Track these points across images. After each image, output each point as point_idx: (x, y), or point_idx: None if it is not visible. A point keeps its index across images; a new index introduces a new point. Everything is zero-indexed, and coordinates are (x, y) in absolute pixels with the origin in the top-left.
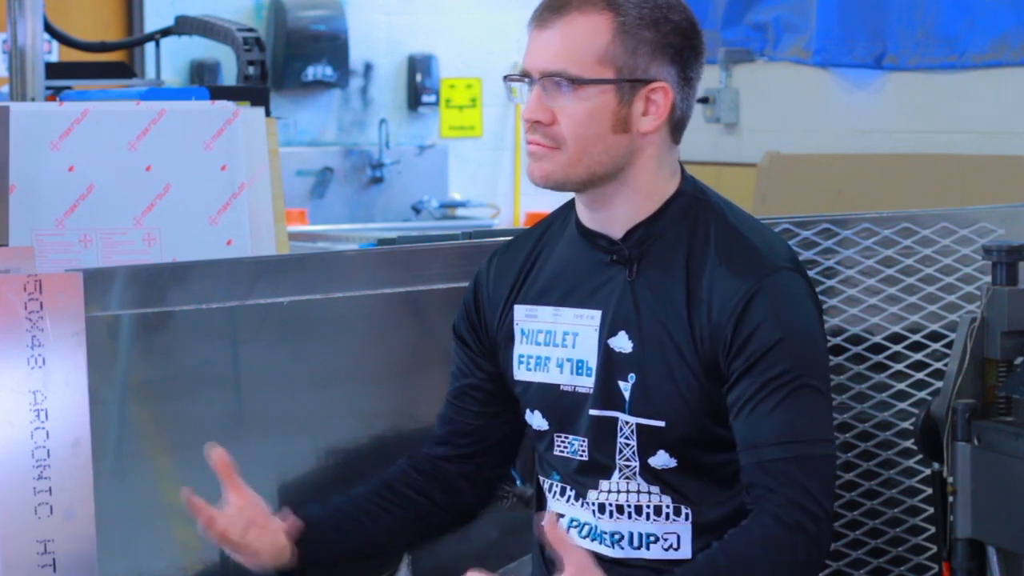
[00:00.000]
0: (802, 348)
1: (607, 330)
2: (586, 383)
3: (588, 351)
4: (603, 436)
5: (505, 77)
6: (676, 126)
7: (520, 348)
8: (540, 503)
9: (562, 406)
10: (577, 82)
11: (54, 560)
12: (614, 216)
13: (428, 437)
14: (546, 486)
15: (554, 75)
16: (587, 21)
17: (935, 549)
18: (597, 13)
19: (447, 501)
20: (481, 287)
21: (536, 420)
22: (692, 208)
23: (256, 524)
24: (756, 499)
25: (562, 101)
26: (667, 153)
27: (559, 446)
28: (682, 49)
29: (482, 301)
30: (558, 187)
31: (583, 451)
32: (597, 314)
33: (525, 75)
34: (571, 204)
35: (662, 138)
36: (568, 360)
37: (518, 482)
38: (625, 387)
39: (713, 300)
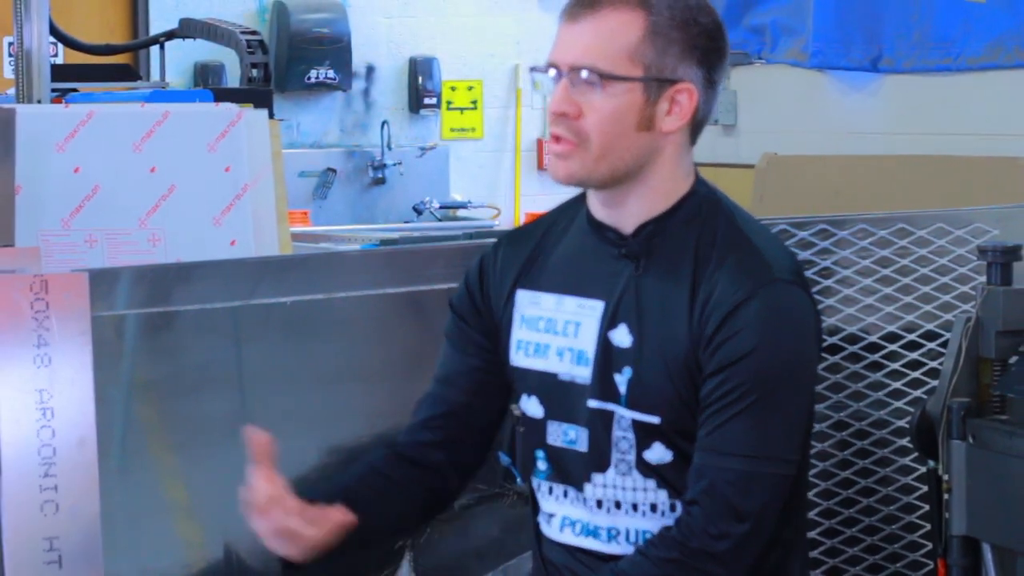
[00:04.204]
0: (776, 362)
1: (608, 322)
2: (584, 373)
3: (588, 341)
4: (601, 428)
5: (532, 68)
6: (696, 127)
7: (519, 333)
8: (534, 503)
9: (559, 395)
10: (606, 77)
11: (60, 557)
12: (626, 212)
13: (409, 426)
14: (534, 484)
15: (583, 69)
16: (620, 18)
17: (930, 546)
18: (630, 11)
19: (435, 486)
20: (487, 270)
21: (532, 407)
22: (703, 209)
23: (305, 515)
24: (685, 503)
25: (589, 96)
26: (685, 154)
27: (553, 434)
28: (709, 52)
29: (487, 284)
30: (580, 185)
31: (582, 442)
32: (600, 304)
33: (552, 67)
34: (581, 197)
35: (682, 139)
36: (569, 349)
37: (518, 480)
38: (621, 380)
39: (710, 300)
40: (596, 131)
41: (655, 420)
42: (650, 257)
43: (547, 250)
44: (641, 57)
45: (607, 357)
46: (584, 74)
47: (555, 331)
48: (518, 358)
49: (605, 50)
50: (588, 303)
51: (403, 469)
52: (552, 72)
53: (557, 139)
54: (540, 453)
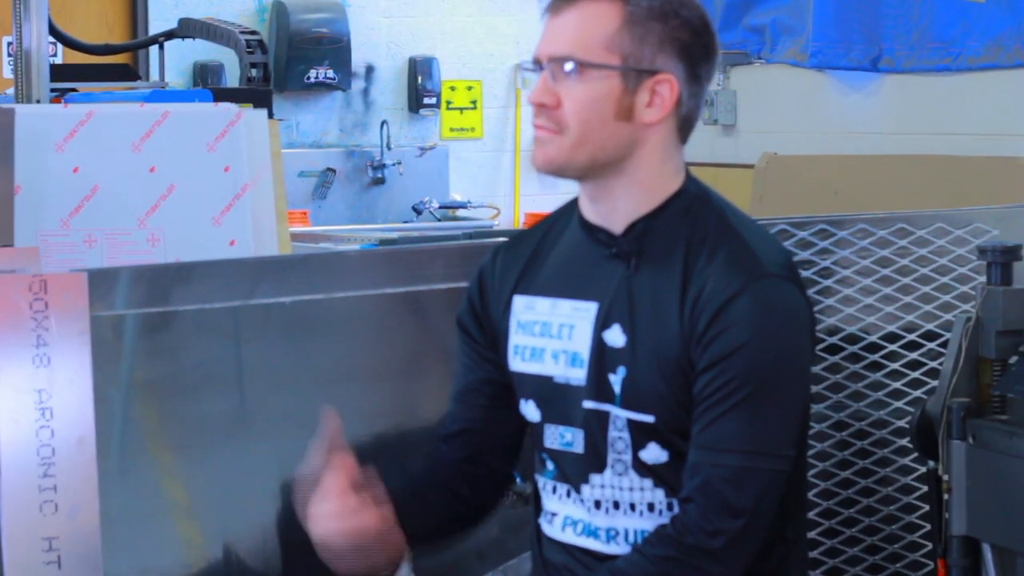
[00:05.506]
0: (768, 356)
1: (601, 322)
2: (578, 375)
3: (582, 343)
4: (597, 429)
5: (522, 66)
6: (683, 123)
7: (516, 339)
8: (537, 503)
9: (555, 397)
10: (583, 65)
11: (59, 557)
12: (615, 209)
13: (445, 439)
14: (540, 484)
15: (561, 59)
16: (597, 8)
17: (930, 546)
18: (608, 1)
19: (473, 498)
20: (486, 280)
21: (530, 411)
22: (693, 207)
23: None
24: (681, 501)
25: (567, 85)
26: (672, 150)
27: (550, 437)
28: (691, 45)
29: (487, 294)
30: (560, 172)
31: (578, 443)
32: (593, 306)
33: (536, 62)
34: (574, 202)
35: (667, 133)
36: (564, 352)
37: (518, 480)
38: (615, 380)
39: (700, 296)
40: (574, 118)
41: (650, 419)
42: (641, 256)
43: (543, 255)
44: (618, 46)
45: (601, 357)
46: (562, 64)
47: (550, 334)
48: (516, 363)
49: (582, 39)
50: (582, 305)
51: (437, 484)
52: (536, 66)
53: (538, 128)
54: (545, 454)
